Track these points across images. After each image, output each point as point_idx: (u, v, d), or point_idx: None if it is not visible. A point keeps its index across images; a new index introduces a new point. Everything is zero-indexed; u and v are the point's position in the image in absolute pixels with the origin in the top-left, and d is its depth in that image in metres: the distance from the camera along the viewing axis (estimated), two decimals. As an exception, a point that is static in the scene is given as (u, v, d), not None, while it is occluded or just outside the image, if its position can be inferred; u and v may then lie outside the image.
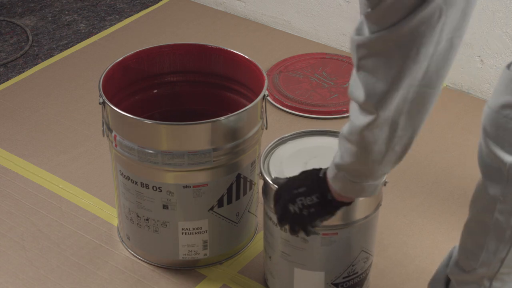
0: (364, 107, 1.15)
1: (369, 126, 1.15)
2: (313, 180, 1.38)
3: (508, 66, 1.22)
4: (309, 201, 1.38)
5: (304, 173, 1.43)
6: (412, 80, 1.08)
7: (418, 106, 1.12)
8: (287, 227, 1.46)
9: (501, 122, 1.20)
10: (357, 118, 1.17)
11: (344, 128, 1.24)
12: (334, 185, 1.32)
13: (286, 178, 1.50)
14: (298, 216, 1.40)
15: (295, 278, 1.65)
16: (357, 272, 1.66)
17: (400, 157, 1.21)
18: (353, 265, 1.64)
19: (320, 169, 1.40)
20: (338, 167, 1.28)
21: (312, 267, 1.62)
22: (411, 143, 1.18)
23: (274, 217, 1.59)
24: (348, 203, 1.37)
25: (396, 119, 1.13)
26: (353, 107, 1.19)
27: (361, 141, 1.19)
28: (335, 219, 1.48)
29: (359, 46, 1.10)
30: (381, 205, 1.64)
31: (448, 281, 1.53)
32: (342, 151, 1.26)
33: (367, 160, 1.21)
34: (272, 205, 1.56)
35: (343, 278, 1.64)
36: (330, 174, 1.33)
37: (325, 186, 1.35)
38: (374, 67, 1.09)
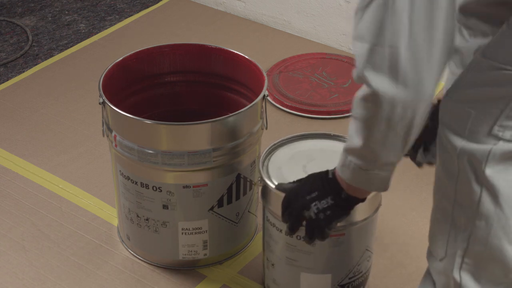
0: (359, 77, 1.15)
1: (366, 94, 1.15)
2: (323, 182, 1.38)
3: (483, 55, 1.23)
4: (324, 204, 1.38)
5: (312, 177, 1.42)
6: (395, 37, 1.09)
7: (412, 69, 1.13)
8: (301, 233, 1.45)
9: (457, 110, 1.20)
10: (358, 92, 1.19)
11: None
12: (343, 175, 1.31)
13: (290, 183, 1.49)
14: (314, 221, 1.40)
15: (301, 283, 1.64)
16: (361, 271, 1.66)
17: (403, 142, 1.19)
18: (358, 265, 1.64)
19: (327, 171, 1.39)
20: (346, 150, 1.28)
21: (319, 270, 1.61)
22: (413, 126, 1.17)
23: (278, 224, 1.58)
24: (362, 200, 1.37)
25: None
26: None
27: (362, 113, 1.18)
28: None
29: (355, 13, 1.14)
30: (381, 205, 1.64)
31: None
32: (350, 133, 1.26)
33: (370, 139, 1.20)
34: (274, 210, 1.55)
35: (349, 278, 1.64)
36: (339, 164, 1.32)
37: (337, 186, 1.35)
38: (362, 30, 1.12)
